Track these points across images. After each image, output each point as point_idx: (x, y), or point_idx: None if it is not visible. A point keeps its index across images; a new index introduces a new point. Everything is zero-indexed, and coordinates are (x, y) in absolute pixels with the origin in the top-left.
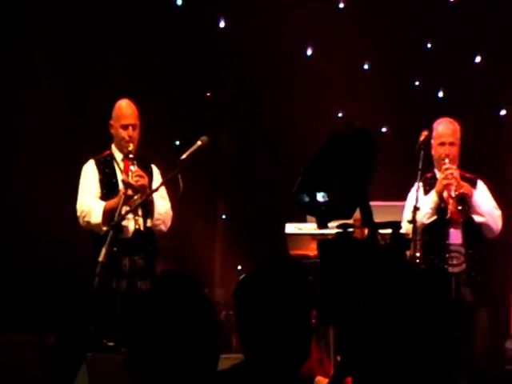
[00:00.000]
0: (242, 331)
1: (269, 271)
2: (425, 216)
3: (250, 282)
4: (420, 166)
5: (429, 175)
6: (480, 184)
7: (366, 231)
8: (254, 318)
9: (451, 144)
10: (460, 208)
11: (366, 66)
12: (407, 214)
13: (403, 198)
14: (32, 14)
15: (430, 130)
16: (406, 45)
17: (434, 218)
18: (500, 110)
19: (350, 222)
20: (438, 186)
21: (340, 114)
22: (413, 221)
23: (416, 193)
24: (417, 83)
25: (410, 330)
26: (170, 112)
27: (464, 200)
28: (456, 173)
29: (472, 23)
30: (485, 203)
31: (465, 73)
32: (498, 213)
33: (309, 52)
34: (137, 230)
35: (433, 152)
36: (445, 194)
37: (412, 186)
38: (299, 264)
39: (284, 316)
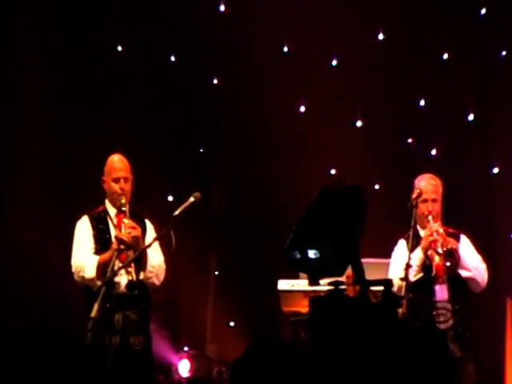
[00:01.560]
0: None
1: (258, 357)
2: (411, 273)
3: (241, 367)
4: (412, 223)
5: (410, 233)
6: (463, 238)
7: (358, 288)
8: None
9: (434, 201)
10: (449, 264)
11: (358, 124)
12: (394, 272)
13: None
14: (26, 67)
15: (409, 186)
16: (398, 102)
17: (420, 275)
18: (492, 168)
19: (342, 279)
20: (424, 243)
21: (333, 171)
22: (405, 278)
23: (408, 251)
24: (409, 140)
25: None
26: (164, 168)
27: (452, 255)
28: (441, 229)
29: (464, 80)
30: (470, 257)
31: (457, 130)
32: (483, 266)
33: (302, 109)
34: (130, 282)
35: (415, 209)
36: (429, 251)
37: (396, 244)
38: (287, 347)
39: None
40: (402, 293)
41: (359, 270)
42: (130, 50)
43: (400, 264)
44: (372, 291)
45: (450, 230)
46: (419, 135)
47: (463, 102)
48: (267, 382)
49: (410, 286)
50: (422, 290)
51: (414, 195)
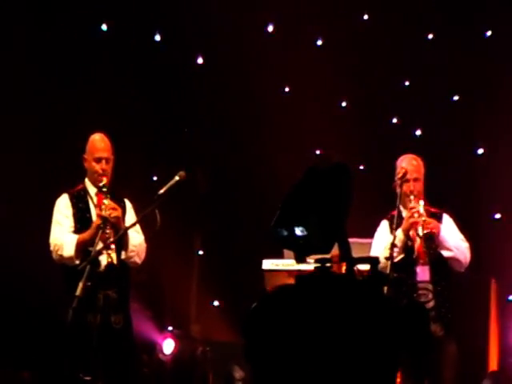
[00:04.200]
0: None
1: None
2: (392, 253)
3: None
4: (398, 203)
5: (394, 212)
6: (446, 218)
7: (344, 266)
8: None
9: (415, 180)
10: (427, 247)
11: (343, 104)
12: (376, 252)
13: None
14: (7, 44)
15: (394, 167)
16: (383, 82)
17: (401, 256)
18: (477, 149)
19: (329, 256)
20: (405, 224)
21: (318, 152)
22: (390, 257)
23: (391, 231)
24: (394, 121)
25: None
26: (147, 147)
27: (432, 239)
28: (422, 209)
29: (449, 61)
30: (452, 237)
31: (442, 111)
32: (465, 245)
33: (286, 89)
34: (109, 264)
35: (397, 189)
36: (411, 232)
37: (379, 224)
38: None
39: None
40: (387, 272)
41: (346, 248)
42: (114, 29)
43: (381, 244)
44: (358, 269)
45: (433, 210)
46: (404, 115)
47: (448, 82)
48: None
49: (392, 267)
50: (403, 270)
51: (400, 175)
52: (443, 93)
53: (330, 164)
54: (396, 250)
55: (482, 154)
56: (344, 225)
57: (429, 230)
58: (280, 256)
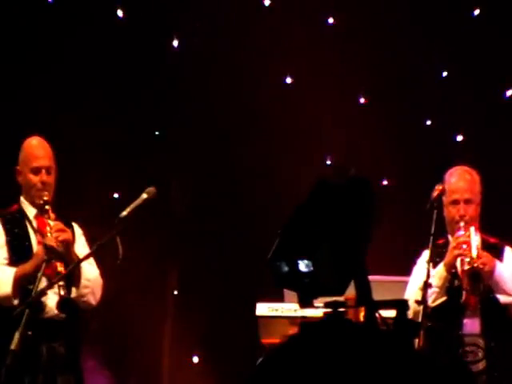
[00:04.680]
0: None
1: None
2: (430, 296)
3: None
4: (433, 230)
5: (440, 241)
6: (508, 252)
7: (363, 312)
8: None
9: (467, 202)
10: (473, 289)
11: (362, 100)
12: (411, 292)
13: (410, 271)
14: None
15: (442, 182)
16: (413, 73)
17: (443, 299)
18: None
19: (342, 299)
20: (448, 257)
21: (328, 162)
22: (423, 301)
23: (427, 265)
24: (428, 123)
25: None
26: (107, 156)
27: (477, 277)
28: (477, 239)
29: (501, 44)
30: None
31: (491, 109)
32: None
33: (288, 80)
34: (63, 298)
35: (445, 212)
36: (458, 267)
37: (419, 255)
38: None
39: None
40: (419, 320)
41: (365, 288)
42: (62, 3)
43: (418, 282)
44: (382, 316)
45: (491, 241)
46: (441, 116)
47: (500, 74)
48: None
49: (431, 313)
50: (445, 318)
51: (435, 193)
52: (492, 87)
53: (346, 178)
54: (434, 290)
55: None
56: (363, 258)
57: (476, 265)
58: (279, 298)
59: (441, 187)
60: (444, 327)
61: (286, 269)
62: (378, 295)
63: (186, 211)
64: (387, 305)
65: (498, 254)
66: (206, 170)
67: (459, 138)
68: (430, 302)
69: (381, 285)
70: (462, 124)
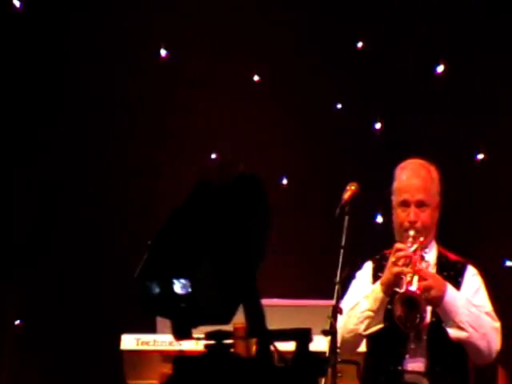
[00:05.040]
0: None
1: None
2: (362, 321)
3: None
4: (343, 242)
5: (389, 252)
6: (470, 273)
7: (255, 344)
8: None
9: (420, 204)
10: (404, 317)
11: (255, 78)
12: (344, 315)
13: (321, 294)
14: None
15: (390, 179)
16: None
17: (379, 326)
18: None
19: (229, 329)
20: (386, 275)
21: (213, 156)
22: (330, 331)
23: (336, 286)
24: (339, 106)
25: None
26: None
27: (414, 304)
28: (430, 254)
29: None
30: (469, 307)
31: (416, 91)
32: (493, 324)
33: (162, 53)
34: None
35: (393, 216)
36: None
37: (359, 267)
38: None
39: None
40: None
41: (257, 314)
42: None
43: (351, 302)
44: (278, 349)
45: (450, 258)
46: (354, 100)
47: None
48: None
49: (367, 343)
50: (383, 351)
51: (347, 194)
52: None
53: (232, 176)
54: (368, 314)
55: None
56: (255, 277)
57: (413, 289)
58: (151, 329)
59: (353, 187)
60: (381, 362)
61: (157, 290)
62: (274, 323)
63: (29, 223)
64: (286, 335)
65: (458, 275)
66: (55, 173)
67: (377, 125)
68: (362, 330)
69: (279, 310)
70: (381, 109)
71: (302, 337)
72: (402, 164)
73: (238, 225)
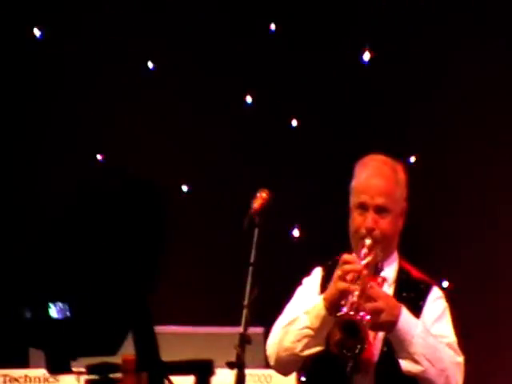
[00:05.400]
0: None
1: None
2: (300, 339)
3: None
4: (252, 259)
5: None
6: (433, 296)
7: (145, 378)
8: None
9: (380, 210)
10: (341, 343)
11: (150, 65)
12: (279, 327)
13: (226, 319)
14: None
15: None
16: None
17: (319, 348)
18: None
19: (116, 361)
20: (330, 290)
21: (99, 157)
22: (237, 363)
23: (244, 311)
24: (249, 100)
25: None
26: None
27: (353, 330)
28: (391, 268)
29: None
30: (427, 337)
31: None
32: (455, 359)
33: (37, 34)
34: None
35: (349, 219)
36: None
37: (307, 273)
38: None
39: None
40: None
41: (149, 344)
42: None
43: (295, 314)
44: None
45: (414, 275)
46: (268, 93)
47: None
48: None
49: (304, 367)
50: (323, 378)
51: (257, 203)
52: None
53: (121, 181)
54: (307, 332)
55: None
56: (146, 300)
57: (353, 314)
58: (23, 362)
59: (264, 194)
60: None
61: (28, 316)
62: (171, 353)
63: None
64: (183, 368)
65: (419, 298)
66: None
67: (294, 122)
68: (299, 350)
69: (176, 339)
70: (297, 107)
71: (203, 370)
72: (364, 159)
73: (126, 237)
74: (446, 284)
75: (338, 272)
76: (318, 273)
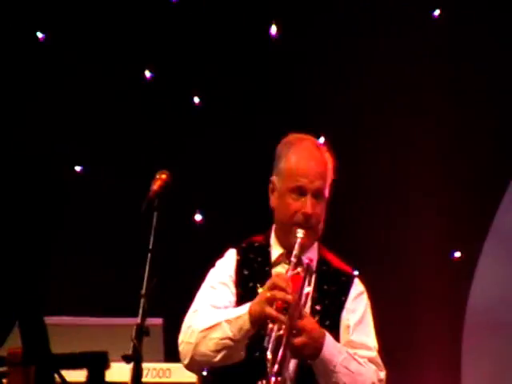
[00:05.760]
0: None
1: None
2: (219, 350)
3: None
4: (151, 245)
5: (259, 239)
6: (355, 291)
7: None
8: None
9: (317, 195)
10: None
11: (39, 35)
12: (194, 316)
13: (123, 310)
14: None
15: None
16: None
17: (237, 359)
18: None
19: (1, 354)
20: (256, 309)
21: None
22: (133, 356)
23: (142, 300)
24: (148, 75)
25: None
26: None
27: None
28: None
29: None
30: (350, 364)
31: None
32: (379, 377)
33: None
34: None
35: (273, 203)
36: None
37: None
38: None
39: None
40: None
41: (37, 336)
42: None
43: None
44: (64, 379)
45: (334, 264)
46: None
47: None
48: None
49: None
50: (226, 374)
51: (156, 185)
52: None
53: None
54: (225, 342)
55: None
56: (35, 287)
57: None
58: None
59: (164, 176)
60: None
61: None
62: (62, 346)
63: None
64: (75, 362)
65: (341, 292)
66: None
67: (196, 99)
68: (217, 360)
69: (68, 330)
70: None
71: (96, 363)
72: (290, 139)
73: (14, 220)
74: (356, 272)
75: (266, 293)
76: (232, 255)
